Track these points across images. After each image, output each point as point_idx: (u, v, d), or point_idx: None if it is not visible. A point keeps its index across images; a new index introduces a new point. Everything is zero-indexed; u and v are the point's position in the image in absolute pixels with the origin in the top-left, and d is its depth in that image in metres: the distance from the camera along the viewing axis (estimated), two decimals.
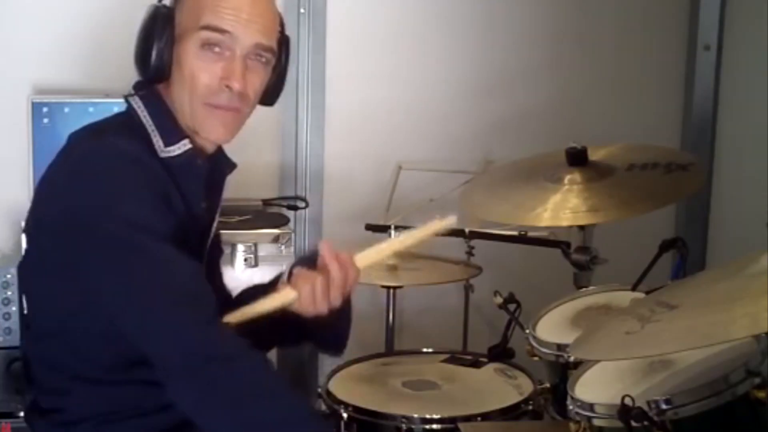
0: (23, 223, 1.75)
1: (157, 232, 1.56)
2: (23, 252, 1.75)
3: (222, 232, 2.47)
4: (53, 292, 1.64)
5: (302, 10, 2.88)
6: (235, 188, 2.82)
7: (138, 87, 1.71)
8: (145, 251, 1.54)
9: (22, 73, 2.70)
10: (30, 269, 1.71)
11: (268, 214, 2.85)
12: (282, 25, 1.75)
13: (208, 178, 1.76)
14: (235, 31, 1.63)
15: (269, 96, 1.77)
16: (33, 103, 2.58)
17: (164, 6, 1.67)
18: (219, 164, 1.80)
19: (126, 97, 1.71)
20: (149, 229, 1.55)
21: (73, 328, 1.63)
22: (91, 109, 2.51)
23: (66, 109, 2.57)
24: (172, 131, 1.68)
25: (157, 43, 1.64)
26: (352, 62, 2.95)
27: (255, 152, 2.91)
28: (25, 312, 1.81)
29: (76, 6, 2.71)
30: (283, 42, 1.75)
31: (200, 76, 1.64)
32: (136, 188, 1.58)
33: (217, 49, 1.64)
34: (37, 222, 1.66)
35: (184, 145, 1.68)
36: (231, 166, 1.83)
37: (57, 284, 1.62)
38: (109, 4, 2.66)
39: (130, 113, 1.70)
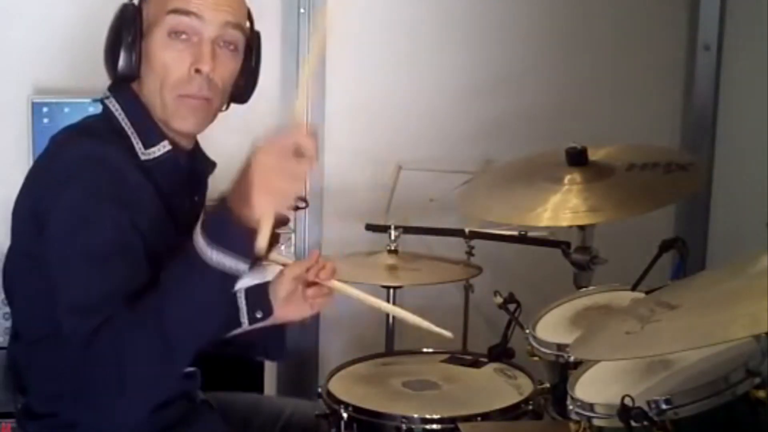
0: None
1: (100, 226, 1.54)
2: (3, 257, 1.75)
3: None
4: (39, 293, 1.62)
5: (302, 10, 2.88)
6: None
7: (112, 88, 1.72)
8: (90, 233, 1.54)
9: (22, 73, 2.70)
10: (14, 272, 1.71)
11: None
12: (251, 19, 1.76)
13: (190, 175, 1.77)
14: (202, 13, 1.64)
15: (241, 92, 1.78)
16: (33, 103, 2.59)
17: (131, 3, 1.68)
18: (199, 161, 1.81)
19: (102, 100, 1.72)
20: (90, 220, 1.55)
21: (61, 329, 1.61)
22: (91, 109, 2.51)
23: (66, 109, 2.57)
24: (151, 132, 1.69)
25: (125, 41, 1.66)
26: (352, 62, 2.95)
27: None
28: (8, 319, 1.80)
29: (76, 6, 2.71)
30: (253, 37, 1.77)
31: (170, 66, 1.65)
32: (94, 186, 1.56)
33: (184, 36, 1.65)
34: (21, 222, 1.67)
35: (164, 147, 1.69)
36: (212, 164, 1.83)
37: (40, 283, 1.61)
38: (109, 4, 2.65)
39: (108, 116, 1.70)
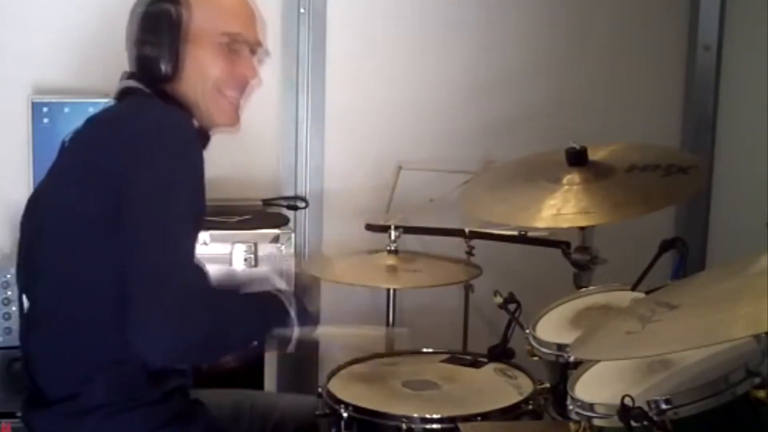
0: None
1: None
2: (27, 252, 1.77)
3: (222, 232, 2.50)
4: (84, 279, 1.67)
5: (302, 10, 2.88)
6: (235, 188, 2.87)
7: (143, 83, 1.80)
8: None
9: (22, 73, 2.70)
10: (53, 260, 1.73)
11: (268, 214, 2.85)
12: None
13: None
14: (247, 33, 1.84)
15: None
16: (33, 103, 2.59)
17: (175, 10, 1.77)
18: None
19: (132, 88, 1.80)
20: (195, 200, 1.70)
21: (100, 316, 1.66)
22: (91, 109, 2.51)
23: (66, 109, 2.57)
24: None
25: (171, 47, 1.77)
26: (352, 62, 2.95)
27: (255, 152, 2.91)
28: (26, 310, 1.80)
29: (77, 6, 2.72)
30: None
31: (220, 72, 1.81)
32: (198, 150, 1.73)
33: (232, 50, 1.82)
34: (82, 186, 1.69)
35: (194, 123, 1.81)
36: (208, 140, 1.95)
37: (92, 257, 1.66)
38: (109, 4, 2.65)
39: (148, 96, 1.80)
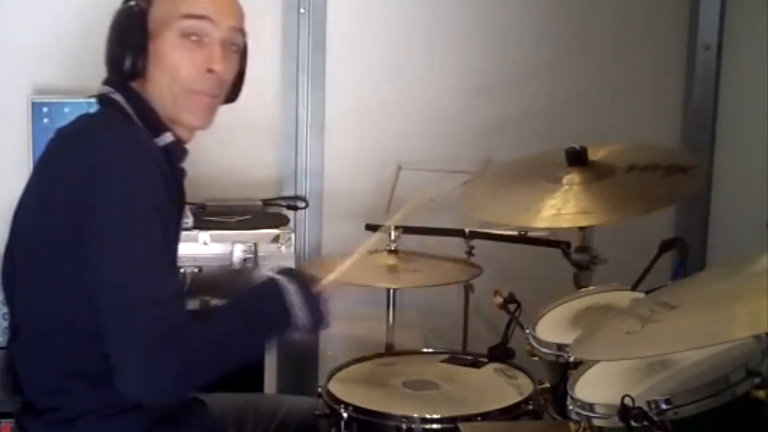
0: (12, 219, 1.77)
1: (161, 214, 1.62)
2: (6, 258, 1.76)
3: (222, 232, 2.49)
4: (55, 285, 1.64)
5: (302, 10, 2.88)
6: (235, 188, 2.87)
7: (113, 85, 1.76)
8: (143, 231, 1.60)
9: (22, 73, 2.70)
10: (24, 266, 1.71)
11: (268, 214, 2.85)
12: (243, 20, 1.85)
13: (180, 170, 1.84)
14: (212, 16, 1.73)
15: (233, 91, 1.86)
16: (33, 103, 2.59)
17: (136, 5, 1.74)
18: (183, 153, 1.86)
19: (103, 96, 1.77)
20: (157, 214, 1.62)
21: (75, 322, 1.63)
22: (90, 109, 2.51)
23: (66, 109, 2.57)
24: (155, 125, 1.74)
25: (133, 41, 1.72)
26: (352, 62, 2.95)
27: (255, 152, 2.91)
28: (8, 319, 1.80)
29: (76, 6, 2.71)
30: (244, 33, 1.84)
31: (182, 66, 1.73)
32: (153, 173, 1.63)
33: (195, 38, 1.73)
34: (45, 206, 1.66)
35: (167, 138, 1.74)
36: (185, 152, 1.86)
37: (60, 273, 1.63)
38: (109, 4, 2.65)
39: (116, 106, 1.75)
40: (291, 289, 1.70)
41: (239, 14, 1.80)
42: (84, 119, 1.79)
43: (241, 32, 1.81)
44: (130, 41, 1.72)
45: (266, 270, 1.80)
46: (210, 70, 1.73)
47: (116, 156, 1.62)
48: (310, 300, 1.71)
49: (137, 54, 1.72)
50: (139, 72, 1.73)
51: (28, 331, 1.72)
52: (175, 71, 1.72)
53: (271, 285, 1.72)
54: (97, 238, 1.57)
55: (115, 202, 1.58)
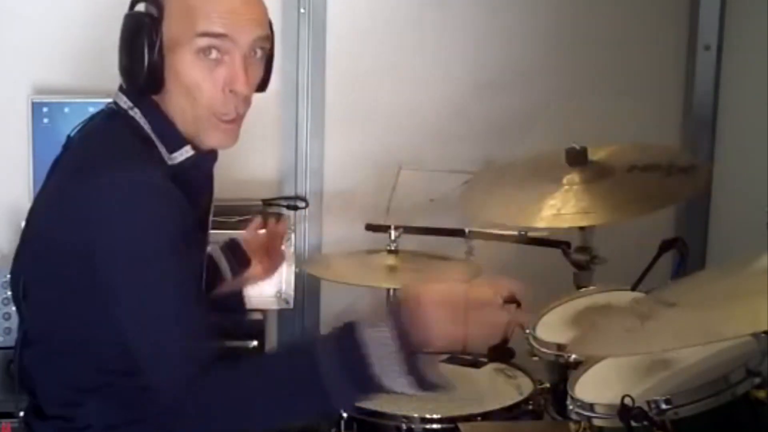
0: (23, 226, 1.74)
1: (180, 260, 1.54)
2: (15, 263, 1.72)
3: (222, 232, 2.49)
4: (67, 310, 1.61)
5: (302, 10, 2.87)
6: (235, 188, 2.86)
7: (129, 96, 1.66)
8: (165, 276, 1.53)
9: (22, 73, 2.70)
10: (38, 287, 1.67)
11: (268, 214, 2.84)
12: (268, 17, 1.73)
13: (208, 175, 1.77)
14: (232, 33, 1.60)
15: (262, 84, 1.74)
16: (33, 103, 2.58)
17: (148, 14, 1.61)
18: (210, 156, 1.76)
19: (122, 108, 1.66)
20: (174, 257, 1.54)
21: (90, 342, 1.61)
22: (91, 109, 2.48)
23: (66, 109, 2.57)
24: (174, 139, 1.65)
25: (149, 54, 1.59)
26: (352, 62, 2.95)
27: (255, 152, 2.91)
28: (8, 318, 1.77)
29: (77, 6, 2.71)
30: (270, 25, 1.74)
31: (202, 85, 1.60)
32: (151, 216, 1.55)
33: (214, 55, 1.60)
34: (52, 243, 1.61)
35: (186, 152, 1.65)
36: (214, 156, 1.77)
37: (74, 302, 1.59)
38: (109, 4, 2.65)
39: (131, 124, 1.65)
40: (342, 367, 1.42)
41: (262, 21, 1.67)
42: (96, 137, 1.67)
43: (267, 37, 1.68)
44: (145, 55, 1.59)
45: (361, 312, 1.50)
46: (232, 91, 1.61)
47: (122, 206, 1.54)
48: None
49: (154, 69, 1.60)
50: (157, 87, 1.62)
51: (41, 344, 1.69)
52: (195, 92, 1.60)
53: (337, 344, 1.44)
54: (113, 288, 1.54)
55: (126, 251, 1.53)
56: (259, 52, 1.66)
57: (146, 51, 1.59)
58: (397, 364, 1.39)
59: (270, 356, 1.62)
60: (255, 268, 2.02)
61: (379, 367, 1.39)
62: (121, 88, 1.68)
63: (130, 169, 1.56)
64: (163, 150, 1.65)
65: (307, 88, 2.91)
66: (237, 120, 1.66)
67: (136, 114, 1.65)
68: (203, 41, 1.59)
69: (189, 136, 1.66)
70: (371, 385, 1.41)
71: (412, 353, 1.39)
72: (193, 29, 1.58)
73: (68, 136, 1.73)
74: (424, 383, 1.40)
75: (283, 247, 2.11)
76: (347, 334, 1.42)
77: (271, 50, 1.74)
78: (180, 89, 1.62)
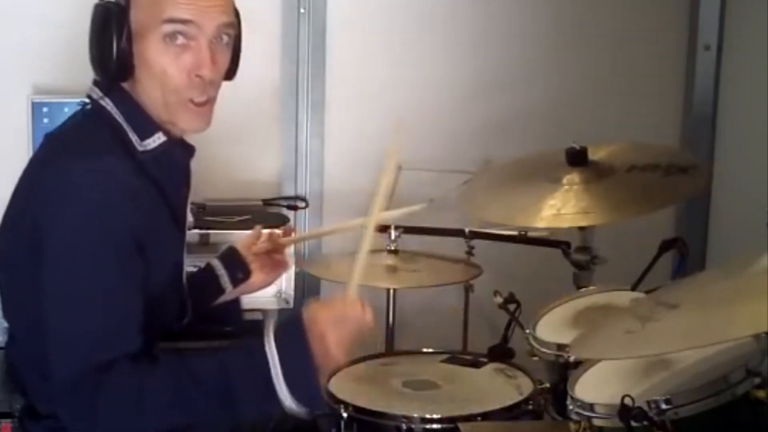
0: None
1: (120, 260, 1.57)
2: None
3: (222, 232, 2.49)
4: (29, 297, 1.61)
5: (302, 10, 2.88)
6: (235, 188, 2.86)
7: (101, 86, 1.69)
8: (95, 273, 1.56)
9: (22, 73, 2.70)
10: (7, 281, 1.70)
11: (268, 214, 2.85)
12: (235, 6, 1.75)
13: (182, 165, 1.79)
14: (197, 19, 1.63)
15: (230, 71, 1.77)
16: (33, 103, 2.59)
17: (115, 3, 1.65)
18: (186, 149, 1.81)
19: (95, 101, 1.70)
20: (112, 249, 1.57)
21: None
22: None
23: (66, 109, 2.56)
24: (146, 126, 1.69)
25: (117, 43, 1.63)
26: (352, 62, 2.95)
27: (255, 152, 2.91)
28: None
29: (76, 6, 2.70)
30: (236, 13, 1.76)
31: (168, 71, 1.64)
32: (112, 207, 1.57)
33: (180, 40, 1.64)
34: (16, 233, 1.65)
35: (158, 138, 1.69)
36: (192, 150, 1.81)
37: (32, 287, 1.60)
38: None
39: (102, 113, 1.69)
40: (279, 367, 1.56)
41: (227, 9, 1.69)
42: (68, 129, 1.73)
43: (232, 24, 1.70)
44: (113, 43, 1.63)
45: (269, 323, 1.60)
46: (199, 76, 1.65)
47: (73, 190, 1.57)
48: (302, 382, 1.57)
49: (122, 57, 1.63)
50: (126, 75, 1.66)
51: (20, 338, 1.72)
52: (163, 78, 1.64)
53: (258, 355, 1.57)
54: (46, 266, 1.56)
55: (65, 233, 1.55)
56: (225, 38, 1.69)
57: (114, 39, 1.63)
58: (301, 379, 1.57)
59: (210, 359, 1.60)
60: (256, 275, 2.03)
61: (278, 382, 1.55)
62: (94, 81, 1.71)
63: (88, 157, 1.61)
64: (134, 137, 1.68)
65: (307, 88, 2.92)
66: (208, 103, 1.70)
67: (108, 104, 1.69)
68: (169, 27, 1.62)
69: (162, 123, 1.70)
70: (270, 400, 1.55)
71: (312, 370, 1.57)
72: (159, 16, 1.62)
73: (45, 135, 1.77)
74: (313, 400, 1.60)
75: (286, 256, 2.10)
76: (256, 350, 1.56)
77: (237, 38, 1.76)
78: (149, 76, 1.65)
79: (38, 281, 1.57)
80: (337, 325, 1.60)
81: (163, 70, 1.64)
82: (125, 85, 1.69)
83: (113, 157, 1.62)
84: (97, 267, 1.56)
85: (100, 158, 1.61)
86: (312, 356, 1.57)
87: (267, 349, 1.56)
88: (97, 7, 1.66)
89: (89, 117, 1.71)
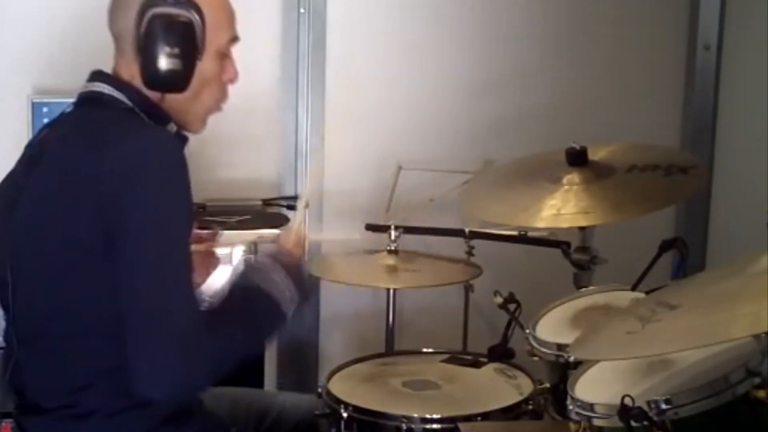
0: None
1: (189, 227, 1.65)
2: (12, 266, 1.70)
3: (222, 231, 2.48)
4: (77, 287, 1.62)
5: (302, 10, 2.88)
6: (235, 188, 2.87)
7: (114, 84, 1.71)
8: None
9: (22, 73, 2.70)
10: (35, 272, 1.67)
11: (268, 214, 2.85)
12: None
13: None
14: (235, 32, 1.76)
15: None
16: (33, 103, 2.59)
17: (198, 19, 1.68)
18: (184, 140, 1.84)
19: (110, 96, 1.70)
20: (188, 221, 1.64)
21: (102, 321, 1.62)
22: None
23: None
24: (161, 116, 1.72)
25: (192, 60, 1.68)
26: (352, 62, 2.95)
27: (255, 152, 2.91)
28: (6, 327, 1.76)
29: (76, 6, 2.71)
30: None
31: (219, 85, 1.75)
32: (185, 176, 1.61)
33: (225, 55, 1.74)
34: (65, 208, 1.61)
35: (172, 128, 1.73)
36: (186, 141, 1.81)
37: (86, 274, 1.61)
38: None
39: (119, 106, 1.69)
40: (279, 281, 1.72)
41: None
42: (95, 120, 1.69)
43: None
44: (189, 60, 1.67)
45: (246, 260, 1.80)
46: (231, 83, 1.77)
47: (153, 159, 1.59)
48: (297, 282, 1.75)
49: (190, 74, 1.68)
50: (185, 90, 1.69)
51: (40, 341, 1.69)
52: (214, 91, 1.74)
53: (259, 283, 1.73)
54: (130, 242, 1.56)
55: (157, 206, 1.57)
56: None
57: (191, 57, 1.68)
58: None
59: (225, 306, 1.71)
60: None
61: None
62: (97, 78, 1.74)
63: (149, 129, 1.67)
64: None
65: (307, 88, 2.92)
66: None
67: (122, 97, 1.70)
68: (231, 45, 1.75)
69: (174, 123, 1.74)
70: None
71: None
72: (227, 35, 1.73)
73: (29, 144, 1.76)
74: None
75: (215, 254, 2.06)
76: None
77: None
78: (198, 91, 1.71)
79: (120, 260, 1.56)
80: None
81: (219, 85, 1.74)
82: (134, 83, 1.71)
83: (163, 130, 1.70)
84: (183, 234, 1.61)
85: (158, 131, 1.68)
86: (287, 256, 1.78)
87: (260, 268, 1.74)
88: (176, 19, 1.66)
89: (107, 107, 1.70)
